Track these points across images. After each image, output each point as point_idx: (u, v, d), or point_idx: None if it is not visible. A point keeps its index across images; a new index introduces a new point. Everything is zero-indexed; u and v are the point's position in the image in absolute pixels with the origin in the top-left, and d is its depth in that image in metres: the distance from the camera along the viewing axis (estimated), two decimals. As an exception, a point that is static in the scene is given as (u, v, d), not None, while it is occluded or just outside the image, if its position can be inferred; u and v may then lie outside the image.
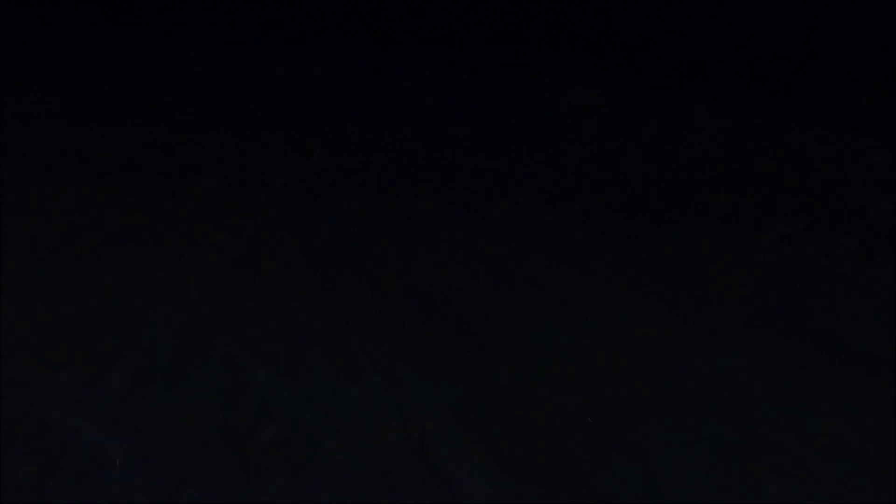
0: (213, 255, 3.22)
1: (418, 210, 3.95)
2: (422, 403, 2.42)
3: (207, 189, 3.96)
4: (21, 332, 2.57)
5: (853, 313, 3.48)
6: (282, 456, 2.12)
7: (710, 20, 5.56)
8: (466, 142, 5.04)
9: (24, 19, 7.13)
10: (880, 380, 3.01)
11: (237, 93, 5.75)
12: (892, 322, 3.41)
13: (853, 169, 4.52)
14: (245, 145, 4.74)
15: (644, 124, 5.20)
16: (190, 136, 4.83)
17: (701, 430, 2.55)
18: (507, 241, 3.79)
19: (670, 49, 5.64)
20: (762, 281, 3.73)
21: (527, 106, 5.45)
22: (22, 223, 3.36)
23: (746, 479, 2.33)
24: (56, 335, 2.58)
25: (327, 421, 2.28)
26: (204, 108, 5.56)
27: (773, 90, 5.26)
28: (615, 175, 4.77)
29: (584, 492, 2.19)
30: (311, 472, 2.07)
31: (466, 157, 4.78)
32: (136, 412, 2.28)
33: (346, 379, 2.49)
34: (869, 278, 3.75)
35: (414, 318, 2.94)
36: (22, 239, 3.23)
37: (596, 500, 2.13)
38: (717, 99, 5.27)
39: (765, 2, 5.33)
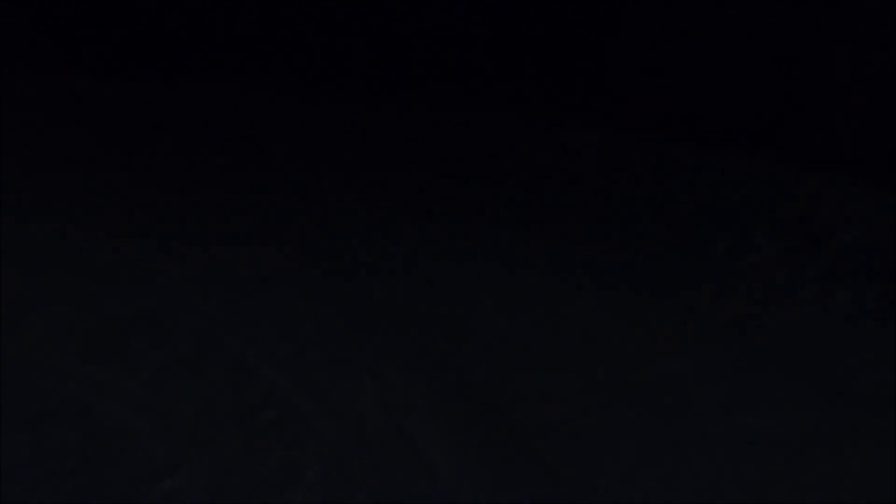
0: (232, 270, 3.68)
1: (415, 234, 4.39)
2: (404, 395, 2.81)
3: (230, 215, 4.50)
4: (66, 332, 3.02)
5: (813, 332, 3.82)
6: (279, 432, 2.52)
7: (692, 68, 6.01)
8: (464, 177, 5.51)
9: (58, 69, 7.79)
10: (832, 389, 3.35)
11: (255, 138, 6.35)
12: (849, 338, 3.75)
13: (823, 201, 4.89)
14: (268, 179, 5.32)
15: (630, 163, 5.63)
16: (220, 170, 5.44)
17: (662, 433, 2.89)
18: (497, 262, 4.21)
19: (656, 92, 6.08)
20: (733, 304, 4.10)
21: (520, 145, 5.93)
22: (70, 237, 3.88)
23: (719, 485, 2.66)
24: (94, 335, 3.02)
25: (320, 406, 2.67)
26: (235, 148, 6.14)
27: (752, 129, 5.65)
28: (601, 209, 5.18)
29: (544, 471, 2.55)
30: (304, 444, 2.47)
31: (465, 189, 5.24)
32: (159, 399, 2.69)
33: (339, 375, 2.89)
34: (831, 300, 4.10)
35: (405, 326, 3.34)
36: (68, 251, 3.73)
37: (553, 477, 2.49)
38: (699, 137, 5.67)
39: (742, 51, 5.77)
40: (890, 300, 4.01)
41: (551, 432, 2.73)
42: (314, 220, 4.52)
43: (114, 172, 5.33)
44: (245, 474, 2.30)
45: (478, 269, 4.14)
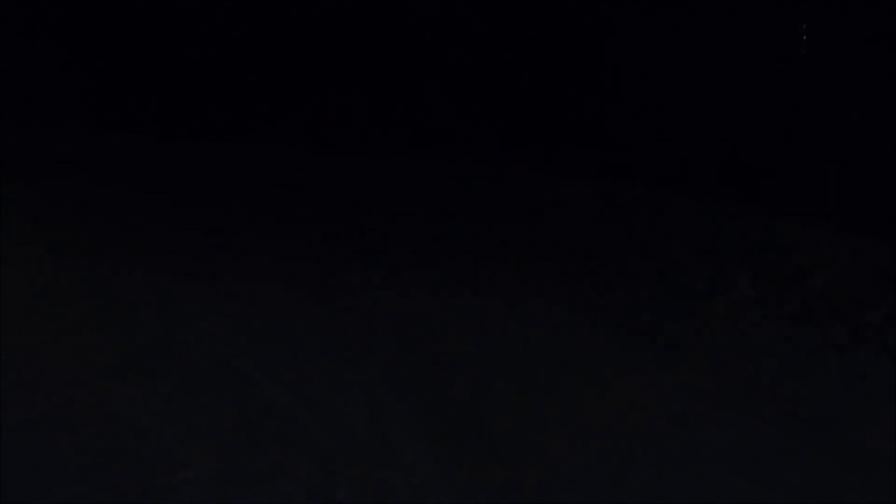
0: (244, 306, 4.14)
1: (414, 273, 4.80)
2: (391, 409, 3.17)
3: (244, 255, 4.99)
4: (99, 352, 3.46)
5: (785, 365, 4.10)
6: (279, 438, 2.89)
7: (681, 125, 6.43)
8: (466, 223, 5.95)
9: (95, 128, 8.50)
10: (789, 411, 3.61)
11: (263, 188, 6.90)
12: (813, 369, 4.02)
13: (799, 246, 5.20)
14: (278, 224, 5.86)
15: (622, 211, 6.01)
16: (236, 216, 5.99)
17: (631, 456, 3.17)
18: (490, 298, 4.58)
19: (649, 146, 6.50)
20: (709, 337, 4.39)
21: (521, 195, 6.35)
22: (106, 273, 4.38)
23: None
24: (123, 356, 3.46)
25: (315, 418, 3.05)
26: (251, 197, 6.69)
27: (737, 180, 6.02)
28: (593, 250, 5.55)
29: (513, 476, 2.87)
30: (298, 448, 2.84)
31: (465, 232, 5.68)
32: (176, 410, 3.09)
33: (334, 392, 3.27)
34: (800, 336, 4.37)
35: (397, 352, 3.73)
36: (104, 284, 4.22)
37: (520, 481, 2.80)
38: (687, 187, 6.05)
39: (729, 108, 6.19)
40: (853, 336, 4.29)
41: (523, 443, 3.05)
42: (319, 260, 5.02)
43: (144, 218, 5.92)
44: (245, 470, 2.66)
45: (471, 304, 4.51)
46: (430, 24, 7.67)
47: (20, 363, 3.32)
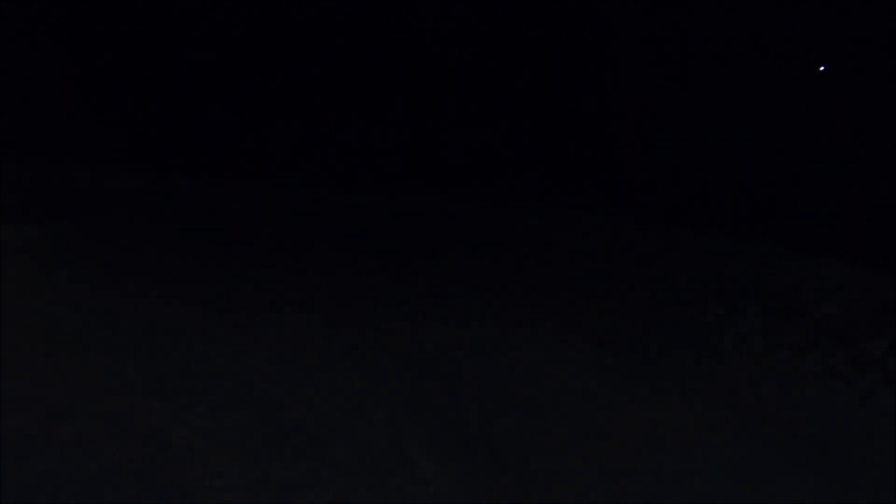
0: (271, 333, 4.45)
1: (430, 304, 5.07)
2: (408, 429, 3.42)
3: (273, 288, 5.32)
4: (142, 376, 3.76)
5: (787, 391, 4.26)
6: (301, 451, 3.15)
7: (692, 162, 6.67)
8: (481, 254, 6.22)
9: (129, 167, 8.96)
10: (791, 434, 3.76)
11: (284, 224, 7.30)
12: (815, 396, 4.18)
13: (805, 278, 5.38)
14: (303, 259, 6.21)
15: (635, 244, 6.23)
16: (264, 251, 6.35)
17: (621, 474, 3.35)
18: (505, 327, 4.81)
19: (659, 184, 6.74)
20: (716, 366, 4.56)
21: (540, 228, 6.62)
22: (150, 304, 4.74)
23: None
24: (164, 378, 3.76)
25: (337, 435, 3.31)
26: (277, 234, 7.06)
27: (744, 215, 6.23)
28: (606, 281, 5.77)
29: (522, 489, 3.09)
30: (321, 460, 3.09)
31: (481, 262, 5.95)
32: (210, 426, 3.36)
33: (355, 413, 3.52)
34: (803, 365, 4.54)
35: (415, 377, 3.98)
36: (149, 314, 4.57)
37: (528, 494, 3.02)
38: (698, 223, 6.27)
39: (740, 148, 6.44)
40: (854, 365, 4.45)
41: (532, 462, 3.27)
42: (341, 290, 5.33)
43: (177, 251, 6.29)
44: (273, 479, 2.91)
45: (484, 331, 4.75)
46: (450, 67, 8.04)
47: (67, 384, 3.63)
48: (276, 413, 3.45)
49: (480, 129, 8.09)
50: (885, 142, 5.78)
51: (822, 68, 6.20)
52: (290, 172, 8.68)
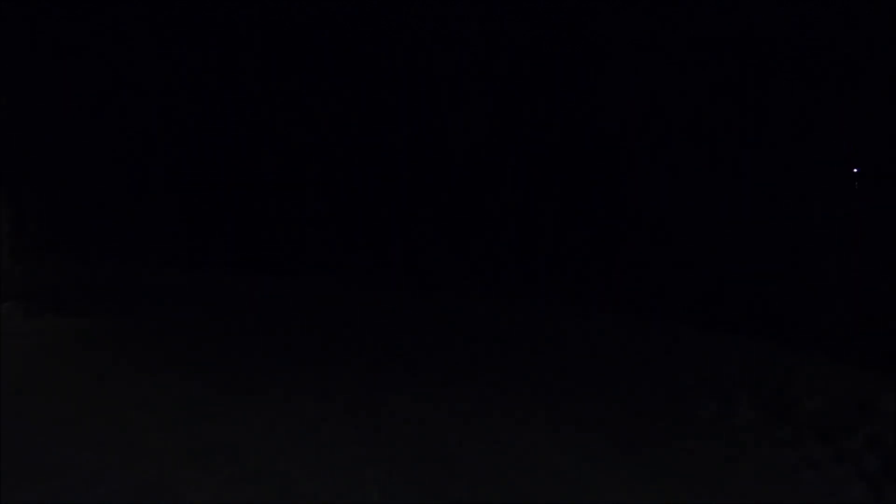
0: (289, 416, 4.94)
1: (436, 395, 5.49)
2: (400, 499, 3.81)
3: (286, 374, 5.86)
4: (172, 449, 4.27)
5: (770, 482, 4.49)
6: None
7: (692, 265, 7.07)
8: (489, 348, 6.64)
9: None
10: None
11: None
12: (794, 491, 4.40)
13: (796, 375, 5.64)
14: (319, 350, 6.74)
15: (634, 340, 6.57)
16: (287, 343, 6.92)
17: None
18: (506, 416, 5.17)
19: (659, 282, 7.12)
20: (708, 457, 4.81)
21: (537, 324, 7.05)
22: (182, 389, 5.33)
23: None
24: (191, 452, 4.25)
25: (340, 498, 3.73)
26: (291, 327, 7.65)
27: (740, 314, 6.55)
28: (607, 375, 6.09)
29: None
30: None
31: (488, 357, 6.36)
32: (230, 493, 3.82)
33: (355, 484, 3.94)
34: (789, 458, 4.76)
35: (413, 457, 4.38)
36: (182, 396, 5.14)
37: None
38: (698, 321, 6.59)
39: (731, 252, 6.84)
40: (836, 459, 4.65)
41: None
42: (353, 380, 5.86)
43: (213, 343, 6.93)
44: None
45: (486, 420, 5.11)
46: (458, 167, 8.70)
47: (107, 453, 4.14)
48: (286, 485, 3.89)
49: (484, 227, 8.67)
50: (875, 246, 6.12)
51: (855, 170, 6.61)
52: (321, 270, 9.37)
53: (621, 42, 8.09)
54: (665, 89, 7.81)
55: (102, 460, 4.05)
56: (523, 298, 7.76)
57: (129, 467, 3.98)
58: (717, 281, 7.01)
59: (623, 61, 8.02)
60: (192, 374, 5.77)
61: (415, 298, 8.40)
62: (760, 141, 7.25)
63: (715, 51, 7.54)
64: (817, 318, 6.22)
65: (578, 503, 4.02)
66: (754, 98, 7.36)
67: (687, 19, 7.59)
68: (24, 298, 8.33)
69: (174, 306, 8.39)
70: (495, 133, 8.53)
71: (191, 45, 10.06)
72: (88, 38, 10.04)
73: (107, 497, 3.65)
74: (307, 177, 9.67)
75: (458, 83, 8.74)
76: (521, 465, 4.46)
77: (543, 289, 7.95)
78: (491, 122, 8.60)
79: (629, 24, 8.05)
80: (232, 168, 9.95)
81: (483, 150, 8.64)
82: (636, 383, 6.04)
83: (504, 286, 8.25)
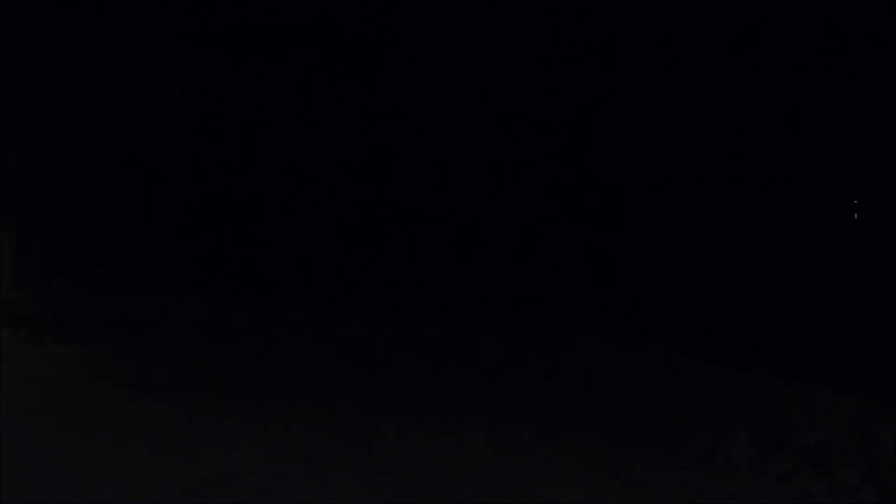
0: (285, 446, 4.95)
1: (433, 425, 5.48)
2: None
3: (289, 404, 5.86)
4: (169, 481, 4.27)
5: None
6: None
7: (689, 296, 7.09)
8: (487, 378, 6.63)
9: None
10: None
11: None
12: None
13: (794, 407, 5.63)
14: (317, 383, 6.76)
15: (632, 371, 6.57)
16: (284, 371, 6.94)
17: None
18: (504, 447, 5.16)
19: (658, 312, 7.12)
20: (703, 490, 4.79)
21: (534, 353, 7.06)
22: (175, 418, 5.32)
23: None
24: (187, 485, 4.26)
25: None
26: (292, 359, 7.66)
27: (738, 344, 6.54)
28: (604, 411, 6.08)
29: None
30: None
31: (486, 386, 6.36)
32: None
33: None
34: (786, 492, 4.74)
35: (407, 490, 4.37)
36: (175, 428, 5.15)
37: None
38: (695, 351, 6.59)
39: (730, 283, 6.85)
40: (834, 492, 4.63)
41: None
42: (351, 409, 5.85)
43: (209, 372, 6.95)
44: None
45: (484, 452, 5.11)
46: (461, 210, 8.77)
47: (103, 484, 4.15)
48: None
49: (481, 252, 8.73)
50: (872, 275, 6.13)
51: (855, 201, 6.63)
52: (323, 298, 9.40)
53: (622, 81, 8.20)
54: (666, 122, 7.88)
55: (99, 491, 4.05)
56: (520, 326, 7.78)
57: (126, 497, 3.98)
58: (714, 310, 7.01)
59: (624, 99, 8.12)
60: (189, 403, 5.79)
61: (412, 325, 8.43)
62: (760, 169, 7.28)
63: (712, 88, 7.63)
64: (817, 348, 6.21)
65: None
66: (753, 128, 7.41)
67: (685, 68, 7.70)
68: (24, 324, 8.36)
69: (174, 334, 8.41)
70: (494, 157, 8.61)
71: (190, 81, 10.21)
72: (88, 68, 10.19)
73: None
74: (308, 207, 9.76)
75: (458, 116, 8.85)
76: (518, 499, 4.45)
77: (540, 316, 7.97)
78: (491, 150, 8.69)
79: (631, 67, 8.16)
80: (234, 197, 10.03)
81: (481, 177, 8.71)
82: (632, 415, 6.03)
83: (500, 313, 8.26)
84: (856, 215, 6.91)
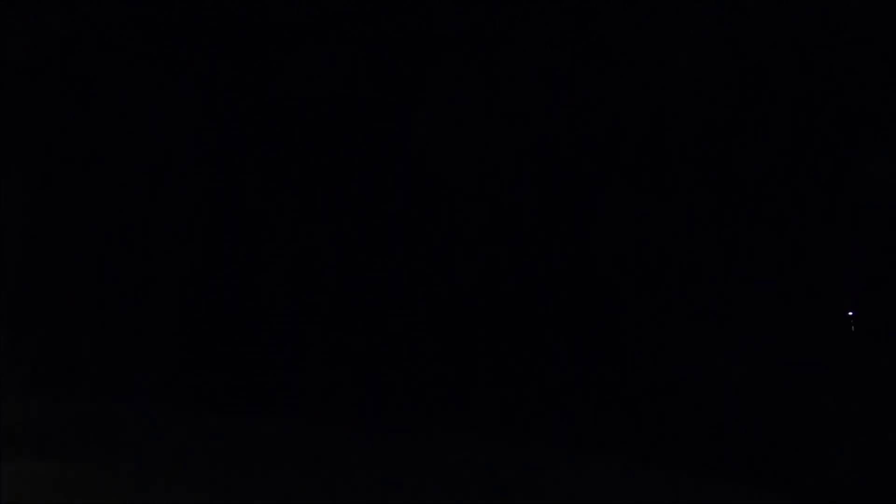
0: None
1: None
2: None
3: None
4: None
5: None
6: None
7: (692, 409, 6.91)
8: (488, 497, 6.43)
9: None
10: None
11: None
12: None
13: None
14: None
15: (638, 492, 6.36)
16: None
17: None
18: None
19: (657, 430, 6.92)
20: None
21: (546, 472, 6.84)
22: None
23: None
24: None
25: None
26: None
27: (742, 461, 6.35)
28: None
29: None
30: None
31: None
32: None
33: None
34: None
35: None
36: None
37: None
38: (699, 468, 6.40)
39: (736, 398, 6.70)
40: None
41: None
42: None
43: (188, 484, 6.72)
44: None
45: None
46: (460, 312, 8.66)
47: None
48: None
49: (478, 365, 8.55)
50: (875, 390, 6.00)
51: (850, 313, 6.53)
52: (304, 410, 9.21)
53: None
54: (664, 229, 7.88)
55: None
56: (519, 442, 7.54)
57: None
58: (719, 427, 6.84)
59: (622, 202, 8.14)
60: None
61: (405, 439, 8.18)
62: (761, 281, 7.24)
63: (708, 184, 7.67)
64: (821, 466, 6.03)
65: None
66: (753, 233, 7.40)
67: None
68: (4, 439, 8.11)
69: (159, 448, 8.18)
70: (488, 275, 8.56)
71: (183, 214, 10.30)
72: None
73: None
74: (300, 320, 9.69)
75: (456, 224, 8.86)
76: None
77: (540, 432, 7.75)
78: (484, 264, 8.65)
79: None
80: (222, 309, 9.97)
81: (475, 294, 8.64)
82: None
83: (498, 428, 8.05)
84: (852, 327, 6.85)
